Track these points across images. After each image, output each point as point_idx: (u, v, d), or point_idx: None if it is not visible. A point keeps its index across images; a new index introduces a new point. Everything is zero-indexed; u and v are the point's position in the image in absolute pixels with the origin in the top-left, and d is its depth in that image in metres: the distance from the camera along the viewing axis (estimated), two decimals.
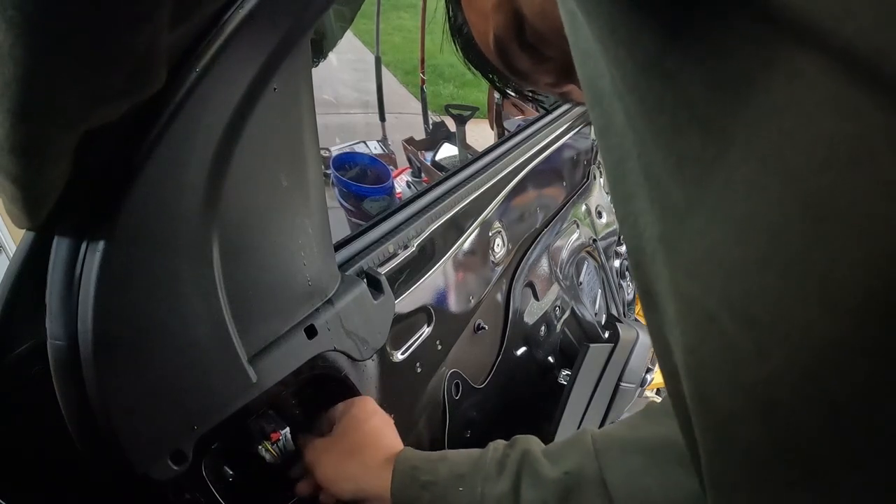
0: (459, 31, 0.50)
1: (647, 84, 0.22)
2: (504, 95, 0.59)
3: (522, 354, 1.02)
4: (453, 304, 0.81)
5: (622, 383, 1.05)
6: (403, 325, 0.72)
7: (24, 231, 0.41)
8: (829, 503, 0.22)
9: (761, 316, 0.20)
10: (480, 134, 3.07)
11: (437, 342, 0.78)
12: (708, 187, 0.21)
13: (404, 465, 0.56)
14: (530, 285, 1.04)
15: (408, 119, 4.09)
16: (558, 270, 1.13)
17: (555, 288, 1.11)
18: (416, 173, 2.81)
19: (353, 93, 4.35)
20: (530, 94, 0.56)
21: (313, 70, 0.50)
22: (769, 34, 0.18)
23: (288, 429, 0.58)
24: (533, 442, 0.56)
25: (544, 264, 1.08)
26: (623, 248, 1.44)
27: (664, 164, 0.23)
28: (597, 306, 1.34)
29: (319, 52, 1.32)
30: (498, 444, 0.56)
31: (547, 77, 0.46)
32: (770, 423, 0.22)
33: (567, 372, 1.06)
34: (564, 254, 1.17)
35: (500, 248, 0.91)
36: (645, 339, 1.10)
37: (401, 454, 0.57)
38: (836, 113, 0.17)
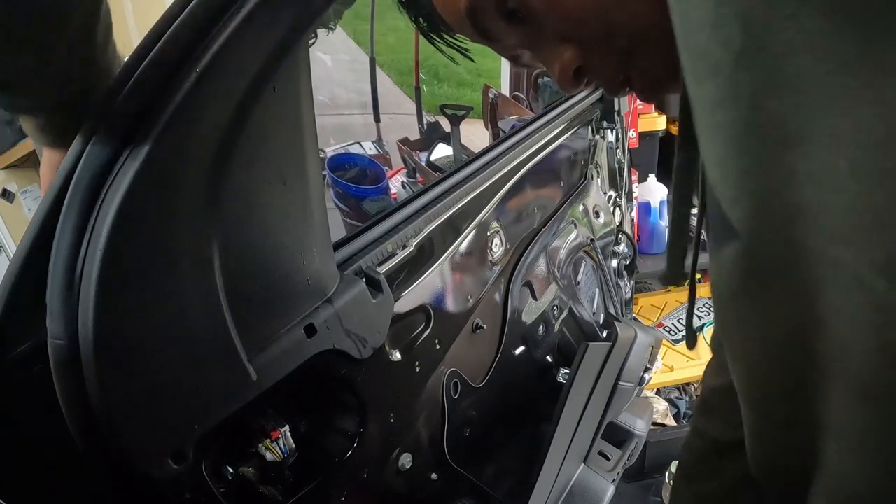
0: None
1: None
2: (430, 42, 0.57)
3: (521, 354, 1.02)
4: (452, 304, 0.81)
5: (621, 382, 1.05)
6: (402, 325, 0.72)
7: (24, 231, 0.41)
8: None
9: None
10: (475, 134, 3.08)
11: (436, 341, 0.78)
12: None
13: None
14: (528, 285, 1.04)
15: (403, 119, 4.10)
16: (556, 270, 1.13)
17: (553, 287, 1.11)
18: (411, 174, 2.81)
19: (349, 94, 4.35)
20: (456, 45, 0.55)
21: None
22: None
23: (288, 426, 0.58)
24: None
25: (542, 264, 1.08)
26: (620, 248, 1.44)
27: None
28: (595, 306, 1.34)
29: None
30: None
31: (514, 39, 0.45)
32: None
33: (565, 371, 1.06)
34: (562, 253, 1.17)
35: (498, 248, 0.91)
36: (643, 338, 1.11)
37: None
38: None
